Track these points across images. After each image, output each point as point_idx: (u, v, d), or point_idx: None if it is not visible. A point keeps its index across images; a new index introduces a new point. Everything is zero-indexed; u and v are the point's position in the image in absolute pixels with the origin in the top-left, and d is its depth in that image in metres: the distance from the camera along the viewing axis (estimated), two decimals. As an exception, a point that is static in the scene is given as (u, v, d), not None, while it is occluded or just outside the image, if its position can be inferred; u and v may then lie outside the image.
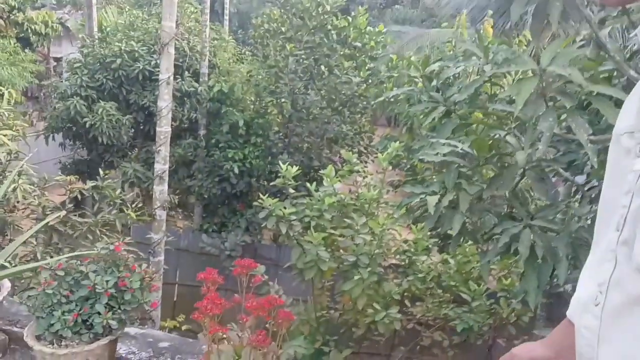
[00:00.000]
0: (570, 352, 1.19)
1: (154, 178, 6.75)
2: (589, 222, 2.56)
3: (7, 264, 2.46)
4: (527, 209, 2.61)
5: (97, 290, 2.19)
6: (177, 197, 10.66)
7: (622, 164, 0.90)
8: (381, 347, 6.43)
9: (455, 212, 2.58)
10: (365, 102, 10.50)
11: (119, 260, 2.34)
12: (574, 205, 2.71)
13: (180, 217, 13.05)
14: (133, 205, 6.78)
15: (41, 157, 9.35)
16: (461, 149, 2.55)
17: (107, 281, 2.21)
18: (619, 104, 2.18)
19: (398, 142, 6.99)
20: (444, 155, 2.55)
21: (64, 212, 6.23)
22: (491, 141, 2.76)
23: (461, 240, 2.99)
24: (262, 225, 6.76)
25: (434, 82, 3.29)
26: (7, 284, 2.62)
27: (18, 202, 6.23)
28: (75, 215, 6.40)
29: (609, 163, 0.96)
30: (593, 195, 2.66)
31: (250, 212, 9.90)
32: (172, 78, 6.19)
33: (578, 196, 3.04)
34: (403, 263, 6.31)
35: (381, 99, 4.55)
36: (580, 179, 3.18)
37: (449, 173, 2.63)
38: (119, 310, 2.28)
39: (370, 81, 10.29)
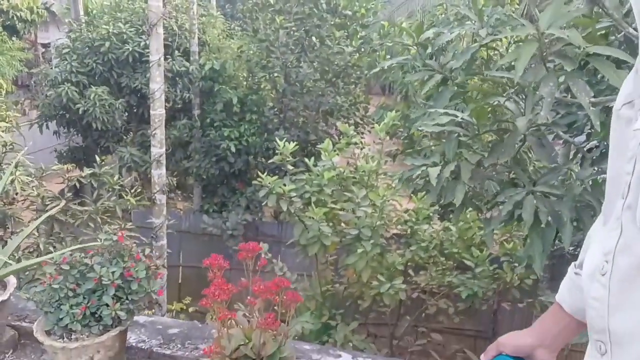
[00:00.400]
0: (556, 339, 1.20)
1: (151, 162, 6.71)
2: (591, 184, 2.55)
3: (10, 261, 2.44)
4: (528, 175, 2.60)
5: (103, 282, 2.18)
6: (175, 179, 10.63)
7: (625, 133, 0.89)
8: (387, 317, 6.48)
9: (457, 182, 2.56)
10: (359, 72, 10.41)
11: (123, 250, 2.33)
12: (575, 168, 2.70)
13: (179, 199, 13.04)
14: (132, 191, 6.76)
15: (36, 146, 9.30)
16: (461, 118, 2.52)
17: (112, 272, 2.20)
18: (618, 64, 2.15)
19: (394, 111, 6.95)
20: (443, 125, 2.52)
21: (63, 202, 6.21)
22: (490, 108, 2.73)
23: (464, 209, 2.98)
24: (263, 203, 6.75)
25: (429, 50, 3.25)
26: (13, 280, 2.61)
27: (17, 194, 6.20)
28: (75, 203, 6.38)
29: (612, 138, 0.95)
30: (594, 157, 2.64)
31: (249, 190, 9.88)
32: (162, 59, 6.10)
33: (578, 158, 3.02)
34: (405, 233, 6.33)
35: (376, 69, 4.49)
36: (580, 139, 3.16)
37: (449, 143, 2.61)
38: (127, 301, 2.27)
39: (362, 50, 10.18)
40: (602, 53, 2.06)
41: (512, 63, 2.23)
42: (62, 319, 2.18)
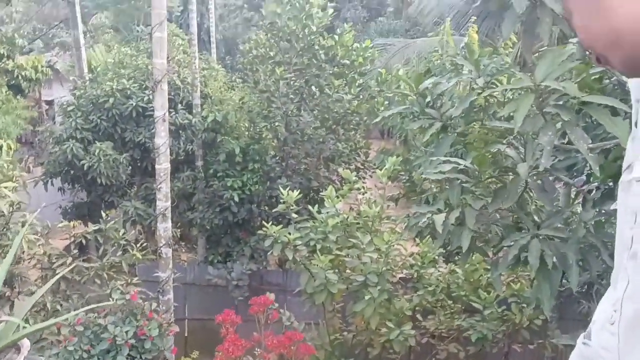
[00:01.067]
0: None
1: (156, 216, 6.76)
2: (594, 225, 2.58)
3: (24, 323, 2.46)
4: (532, 218, 2.64)
5: (117, 342, 2.20)
6: (179, 230, 10.64)
7: (627, 198, 0.92)
8: (397, 364, 6.40)
9: (462, 228, 2.61)
10: (358, 119, 10.57)
11: (136, 308, 2.35)
12: (577, 210, 2.74)
13: (183, 251, 13.02)
14: (138, 245, 6.76)
15: (41, 203, 9.35)
16: (463, 166, 2.58)
17: (126, 332, 2.22)
18: (614, 110, 2.22)
19: (395, 156, 7.04)
20: (446, 172, 2.57)
21: (70, 260, 6.22)
22: (491, 155, 2.79)
23: (470, 254, 3.00)
24: (269, 253, 6.76)
25: (428, 98, 3.34)
26: (27, 342, 2.62)
27: (23, 252, 6.22)
28: (81, 260, 6.39)
29: (619, 206, 0.99)
30: (596, 199, 2.69)
31: (253, 239, 9.88)
32: (167, 114, 6.23)
33: (580, 200, 3.06)
34: (411, 277, 6.32)
35: (378, 119, 4.58)
36: (579, 180, 3.21)
37: (453, 190, 2.66)
38: (140, 360, 2.28)
39: (361, 97, 10.36)
40: (598, 102, 2.14)
41: (511, 113, 2.31)
42: (75, 381, 2.19)
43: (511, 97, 2.85)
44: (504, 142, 2.68)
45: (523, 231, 2.60)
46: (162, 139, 6.19)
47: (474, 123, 3.00)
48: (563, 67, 2.20)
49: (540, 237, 2.49)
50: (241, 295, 9.29)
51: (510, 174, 2.69)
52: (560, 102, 2.20)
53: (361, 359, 6.17)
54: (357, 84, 10.28)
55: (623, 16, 0.80)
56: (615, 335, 0.89)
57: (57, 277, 3.20)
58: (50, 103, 18.55)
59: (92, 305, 2.49)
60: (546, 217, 2.68)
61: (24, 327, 2.51)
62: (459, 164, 2.57)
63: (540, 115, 2.21)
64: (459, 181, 2.66)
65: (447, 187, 2.74)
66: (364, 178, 10.35)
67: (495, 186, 2.90)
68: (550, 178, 2.74)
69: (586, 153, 2.06)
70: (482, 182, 2.77)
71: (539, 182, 2.55)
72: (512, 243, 2.55)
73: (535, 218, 2.73)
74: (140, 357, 2.26)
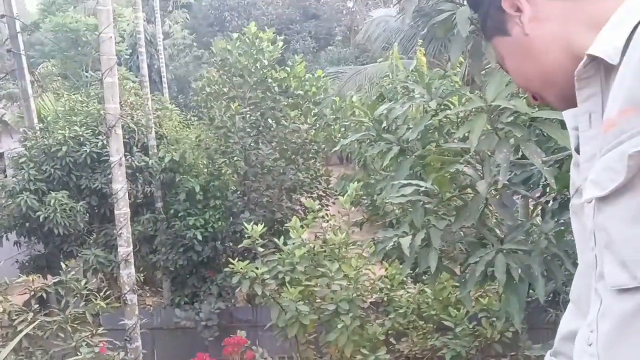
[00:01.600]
0: None
1: (119, 262, 6.60)
2: (554, 236, 2.65)
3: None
4: (495, 234, 2.69)
5: (86, 398, 2.12)
6: (142, 275, 10.39)
7: (581, 221, 0.95)
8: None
9: (429, 249, 2.64)
10: (316, 147, 10.64)
11: (104, 361, 2.27)
12: (537, 222, 2.80)
13: (148, 295, 12.72)
14: (101, 294, 6.58)
15: (-4, 259, 9.03)
16: (425, 187, 2.62)
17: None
18: (562, 124, 2.30)
19: (356, 182, 7.10)
20: (407, 195, 2.61)
21: (31, 315, 6.00)
22: (450, 175, 2.85)
23: (438, 274, 3.03)
24: (237, 289, 6.67)
25: (384, 124, 3.40)
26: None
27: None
28: (42, 315, 6.17)
29: (575, 232, 1.02)
30: (554, 209, 2.77)
31: (220, 277, 9.73)
32: (123, 159, 6.14)
33: (538, 212, 3.15)
34: (382, 301, 6.33)
35: (337, 147, 4.64)
36: (535, 193, 3.30)
37: (416, 212, 2.70)
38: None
39: (317, 126, 10.46)
40: (547, 117, 2.22)
41: (466, 134, 2.37)
42: None
43: (464, 116, 2.93)
44: (461, 161, 2.75)
45: (487, 247, 2.65)
46: (119, 184, 6.08)
47: (431, 144, 3.06)
48: (511, 87, 2.28)
49: (505, 252, 2.54)
50: (211, 335, 9.11)
51: (470, 191, 2.75)
52: (512, 119, 2.27)
53: (338, 389, 6.10)
54: (312, 114, 10.38)
55: (552, 60, 0.89)
56: (594, 356, 0.90)
57: (20, 335, 3.08)
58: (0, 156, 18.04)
59: (58, 362, 2.40)
60: (508, 231, 2.74)
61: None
62: (420, 186, 2.61)
63: (494, 134, 2.28)
64: (422, 203, 2.70)
65: (410, 209, 2.77)
66: (327, 205, 10.39)
67: (456, 205, 2.95)
68: (508, 192, 2.82)
69: (541, 167, 2.13)
70: (444, 202, 2.82)
71: (497, 197, 2.61)
72: (477, 259, 2.59)
73: (498, 232, 2.78)
74: (113, 411, 2.18)
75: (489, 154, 2.38)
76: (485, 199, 2.61)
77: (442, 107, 2.92)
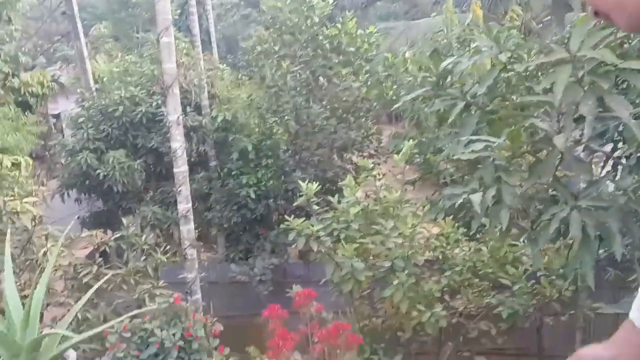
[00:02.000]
0: (632, 352, 1.19)
1: (179, 218, 6.78)
2: (632, 191, 2.55)
3: (71, 333, 2.48)
4: (571, 191, 2.61)
5: (165, 345, 2.20)
6: (197, 231, 10.68)
7: None
8: (429, 346, 6.39)
9: (499, 206, 2.58)
10: (368, 105, 10.53)
11: (180, 311, 2.35)
12: (613, 178, 2.70)
13: (202, 250, 13.06)
14: (161, 249, 6.79)
15: (58, 215, 9.41)
16: (496, 143, 2.55)
17: (173, 334, 2.22)
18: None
19: (410, 140, 7.00)
20: (477, 151, 2.55)
21: (95, 268, 6.26)
22: (524, 130, 2.75)
23: (508, 232, 2.97)
24: (293, 246, 6.77)
25: (449, 79, 3.30)
26: (73, 354, 2.64)
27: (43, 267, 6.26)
28: (106, 268, 6.43)
29: None
30: (632, 165, 2.65)
31: (273, 234, 9.90)
32: (181, 118, 6.23)
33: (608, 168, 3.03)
34: (437, 259, 6.30)
35: (399, 103, 4.55)
36: (608, 148, 3.16)
37: (486, 168, 2.63)
38: (189, 361, 2.29)
39: (369, 83, 10.32)
40: (636, 67, 2.10)
41: (548, 86, 2.27)
42: (128, 386, 2.20)
43: (534, 69, 2.81)
44: (536, 115, 2.65)
45: (560, 204, 2.57)
46: (178, 143, 6.19)
47: (499, 99, 2.96)
48: (595, 36, 2.17)
49: (580, 209, 2.46)
50: (266, 289, 9.33)
51: (545, 147, 2.66)
52: (597, 71, 2.16)
53: (392, 343, 6.16)
54: (364, 71, 10.23)
55: None
56: None
57: (92, 289, 3.21)
58: (57, 117, 18.61)
59: (136, 311, 2.49)
60: (584, 187, 2.65)
61: (71, 338, 2.53)
62: (491, 142, 2.54)
63: (578, 86, 2.17)
64: (492, 159, 2.63)
65: (479, 166, 2.71)
66: (378, 164, 10.33)
67: (529, 161, 2.87)
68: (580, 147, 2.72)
69: (629, 119, 2.03)
70: (516, 159, 2.74)
71: (574, 154, 2.52)
72: (551, 217, 2.52)
73: (574, 191, 2.69)
74: (189, 358, 2.27)
75: (569, 106, 2.28)
76: (561, 155, 2.52)
77: (512, 60, 2.80)
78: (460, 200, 2.75)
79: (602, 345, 1.26)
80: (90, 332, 2.63)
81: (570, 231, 2.41)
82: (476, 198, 2.57)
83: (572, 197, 2.54)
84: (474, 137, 2.63)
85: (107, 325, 2.36)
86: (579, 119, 2.34)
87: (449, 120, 3.05)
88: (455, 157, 2.80)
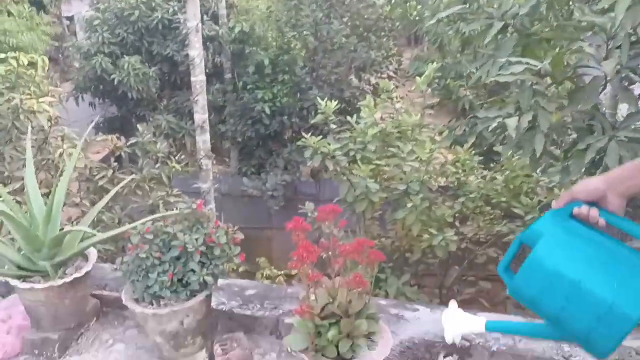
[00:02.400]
0: (623, 183, 1.23)
1: (195, 128, 6.74)
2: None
3: (93, 231, 2.49)
4: (609, 120, 2.52)
5: (188, 250, 2.21)
6: (210, 143, 10.67)
7: None
8: (435, 268, 6.51)
9: (534, 132, 2.50)
10: (390, 24, 10.19)
11: (202, 217, 2.35)
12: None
13: (214, 163, 13.12)
14: (176, 157, 6.81)
15: (73, 118, 9.40)
16: (538, 66, 2.43)
17: (196, 239, 2.22)
18: None
19: (434, 63, 6.81)
20: (517, 74, 2.44)
21: (110, 172, 6.30)
22: (568, 54, 2.63)
23: (540, 159, 2.90)
24: (308, 164, 6.74)
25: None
26: (93, 251, 2.67)
27: (64, 166, 6.29)
28: (120, 173, 6.46)
29: None
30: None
31: (286, 151, 9.89)
32: (200, 25, 6.04)
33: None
34: (452, 185, 6.28)
35: (432, 21, 4.37)
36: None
37: (523, 92, 2.53)
38: (211, 266, 2.31)
39: (393, 1, 9.94)
40: None
41: (607, 6, 2.13)
42: (150, 286, 2.23)
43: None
44: (582, 38, 2.52)
45: (596, 134, 2.49)
46: (196, 50, 6.04)
47: (539, 22, 2.81)
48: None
49: (619, 139, 2.38)
50: (277, 205, 9.43)
51: (589, 73, 2.54)
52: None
53: (400, 263, 6.27)
54: (389, -13, 9.85)
55: None
56: None
57: (112, 192, 3.22)
58: (70, 19, 18.24)
59: (158, 215, 2.49)
60: (624, 119, 2.55)
61: (93, 235, 2.54)
62: (532, 65, 2.42)
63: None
64: (530, 83, 2.52)
65: (516, 90, 2.61)
66: (397, 87, 10.14)
67: (567, 87, 2.76)
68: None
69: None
70: (556, 84, 2.63)
71: (619, 82, 2.41)
72: (586, 146, 2.45)
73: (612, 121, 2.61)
74: (211, 263, 2.29)
75: (617, 30, 2.16)
76: (605, 82, 2.41)
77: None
78: (495, 125, 2.67)
79: (597, 178, 1.28)
80: (112, 232, 2.65)
81: (607, 162, 2.34)
82: (512, 122, 2.49)
83: (610, 127, 2.45)
84: (514, 59, 2.51)
85: (130, 226, 2.36)
86: (635, 43, 2.21)
87: (485, 41, 2.92)
88: (489, 80, 2.69)
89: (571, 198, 1.33)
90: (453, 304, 1.81)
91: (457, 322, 1.76)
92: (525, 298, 1.44)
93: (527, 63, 2.45)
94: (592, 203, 1.26)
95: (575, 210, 1.29)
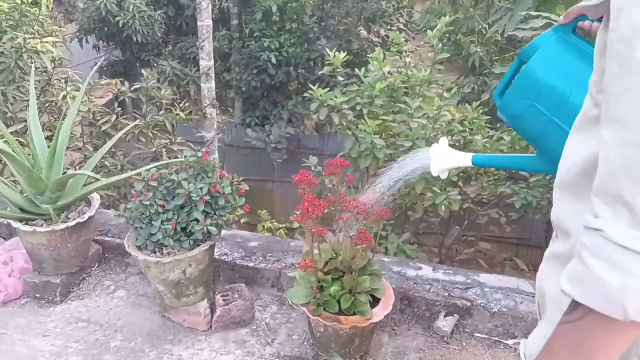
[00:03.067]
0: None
1: (200, 75, 6.62)
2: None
3: (96, 176, 2.46)
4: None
5: (192, 198, 2.18)
6: (215, 91, 10.54)
7: None
8: (436, 227, 6.52)
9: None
10: (403, -26, 9.92)
11: (207, 166, 2.31)
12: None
13: (218, 112, 13.00)
14: (180, 105, 6.74)
15: (76, 60, 9.25)
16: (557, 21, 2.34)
17: (200, 188, 2.20)
18: None
19: (446, 16, 6.63)
20: (537, 28, 2.35)
21: (114, 117, 6.25)
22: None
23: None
24: (314, 116, 6.66)
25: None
26: (96, 196, 2.65)
27: (67, 109, 6.24)
28: (123, 118, 6.41)
29: None
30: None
31: (291, 103, 9.76)
32: (208, -34, 5.85)
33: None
34: (458, 143, 6.22)
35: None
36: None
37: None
38: (215, 216, 2.29)
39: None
40: None
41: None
42: (154, 234, 2.21)
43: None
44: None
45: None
46: (203, -6, 5.87)
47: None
48: None
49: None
50: (280, 157, 9.38)
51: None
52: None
53: (401, 221, 6.28)
54: None
55: None
56: None
57: (115, 137, 3.18)
58: (74, -44, 17.75)
59: (163, 162, 2.45)
60: None
61: (97, 180, 2.52)
62: (552, 20, 2.33)
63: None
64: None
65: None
66: (407, 40, 9.93)
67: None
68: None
69: None
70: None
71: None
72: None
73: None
74: (215, 213, 2.26)
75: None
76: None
77: None
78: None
79: None
80: (116, 178, 2.62)
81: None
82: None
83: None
84: (533, 13, 2.42)
85: (134, 172, 2.33)
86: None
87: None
88: (506, 34, 2.60)
89: (579, 13, 1.29)
90: (444, 140, 1.80)
91: (444, 157, 1.76)
92: (514, 114, 1.45)
93: (548, 17, 2.35)
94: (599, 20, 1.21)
95: (579, 23, 1.27)
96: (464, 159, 1.70)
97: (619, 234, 0.72)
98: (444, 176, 1.75)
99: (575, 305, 0.79)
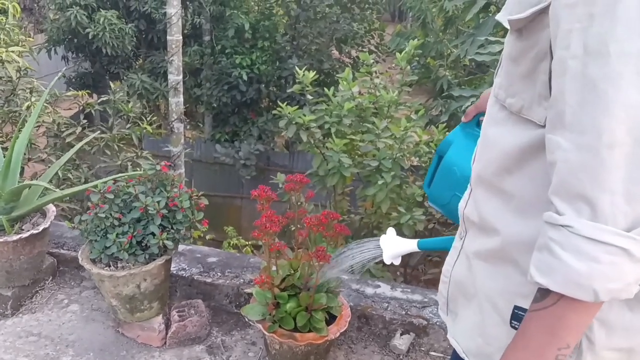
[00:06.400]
0: None
1: (168, 90, 6.59)
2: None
3: (52, 188, 2.41)
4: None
5: (149, 212, 2.15)
6: (185, 107, 10.48)
7: None
8: (401, 247, 6.55)
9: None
10: (375, -2, 10.09)
11: (166, 180, 2.29)
12: None
13: (188, 127, 12.93)
14: (147, 119, 6.68)
15: (44, 71, 9.11)
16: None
17: (158, 202, 2.17)
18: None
19: (415, 39, 6.74)
20: (495, 54, 2.41)
21: (79, 129, 6.16)
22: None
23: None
24: (282, 133, 6.67)
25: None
26: (52, 208, 2.60)
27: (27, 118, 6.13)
28: (89, 131, 6.32)
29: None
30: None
31: (261, 120, 9.77)
32: (179, -19, 5.86)
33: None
34: (424, 165, 6.30)
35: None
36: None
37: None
38: (172, 230, 2.26)
39: (379, -25, 9.83)
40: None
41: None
42: (108, 247, 2.18)
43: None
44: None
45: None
46: (174, 8, 5.87)
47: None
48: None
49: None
50: (248, 174, 9.35)
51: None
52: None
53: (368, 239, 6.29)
54: (376, -41, 9.70)
55: None
56: None
57: (76, 147, 3.13)
58: (47, -34, 17.59)
59: (122, 174, 2.42)
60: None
61: (53, 192, 2.47)
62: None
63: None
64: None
65: (493, 70, 2.58)
66: (377, 62, 10.06)
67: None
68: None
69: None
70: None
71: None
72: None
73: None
74: (172, 228, 2.24)
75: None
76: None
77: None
78: (469, 104, 2.65)
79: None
80: (72, 190, 2.58)
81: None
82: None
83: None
84: (492, 39, 2.48)
85: (91, 185, 2.29)
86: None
87: (467, 19, 2.88)
88: (467, 59, 2.66)
89: (477, 111, 1.48)
90: (391, 230, 1.91)
91: (393, 245, 1.87)
92: (442, 204, 1.57)
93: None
94: None
95: (481, 118, 1.38)
96: (410, 245, 1.86)
97: (583, 228, 0.81)
98: (397, 263, 1.89)
99: (545, 293, 0.87)
